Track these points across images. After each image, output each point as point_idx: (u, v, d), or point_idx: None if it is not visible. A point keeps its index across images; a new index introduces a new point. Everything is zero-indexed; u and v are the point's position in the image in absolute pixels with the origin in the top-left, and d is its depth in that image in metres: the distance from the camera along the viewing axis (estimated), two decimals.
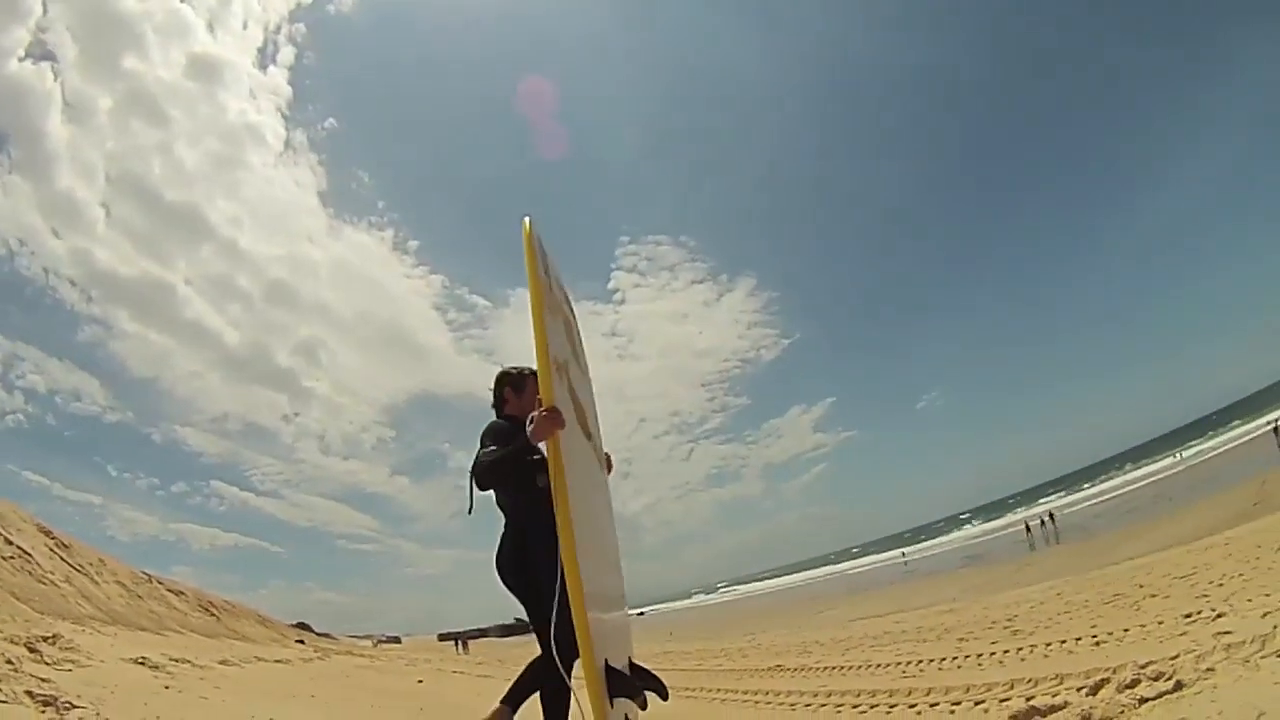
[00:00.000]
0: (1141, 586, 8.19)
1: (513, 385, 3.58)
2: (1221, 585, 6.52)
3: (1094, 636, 6.18)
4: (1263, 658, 3.92)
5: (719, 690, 8.27)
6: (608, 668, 2.75)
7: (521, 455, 3.04)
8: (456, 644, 42.66)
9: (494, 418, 3.58)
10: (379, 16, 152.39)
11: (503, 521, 3.45)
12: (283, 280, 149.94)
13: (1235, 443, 44.90)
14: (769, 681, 8.34)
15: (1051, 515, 40.73)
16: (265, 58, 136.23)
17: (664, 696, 3.19)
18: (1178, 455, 53.99)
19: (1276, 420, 38.30)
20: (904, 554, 61.93)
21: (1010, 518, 62.21)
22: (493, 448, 3.13)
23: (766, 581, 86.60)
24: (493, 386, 3.66)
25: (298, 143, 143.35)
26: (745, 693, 7.73)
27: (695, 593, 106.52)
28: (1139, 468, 59.88)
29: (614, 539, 3.72)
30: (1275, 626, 4.27)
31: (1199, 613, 5.68)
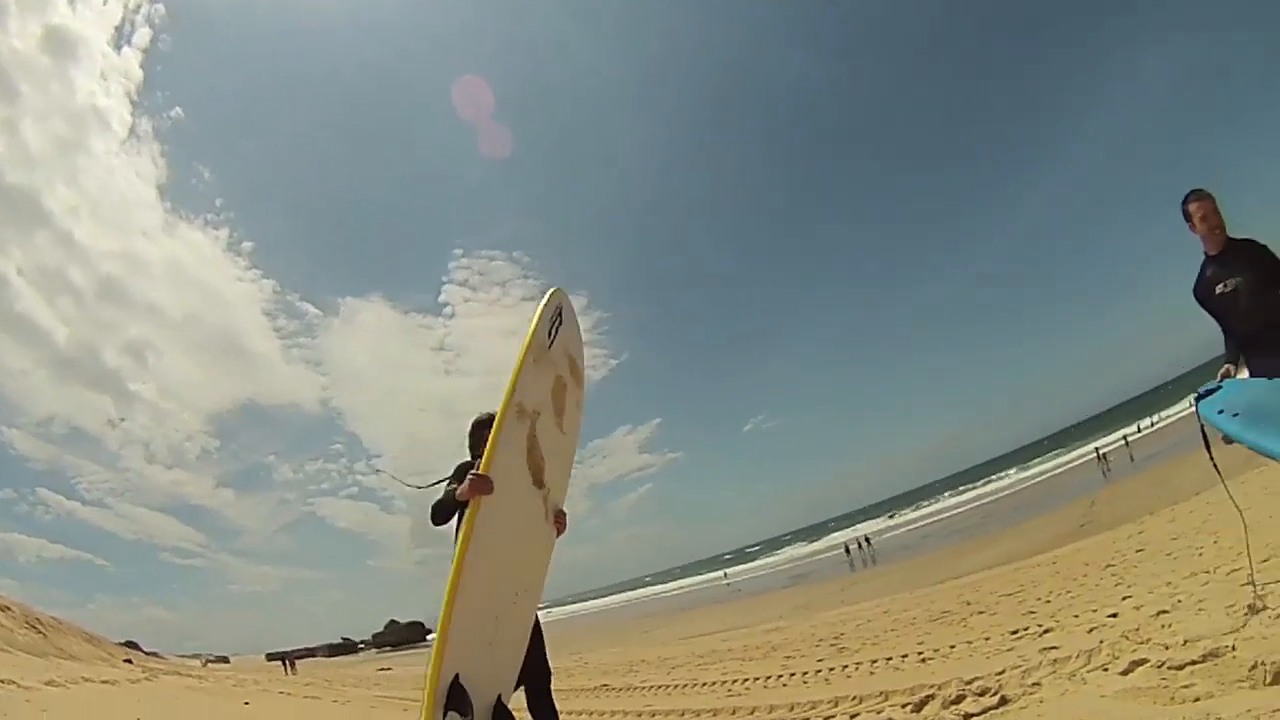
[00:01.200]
0: (969, 604, 8.99)
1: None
2: (1049, 602, 7.23)
3: (920, 653, 6.65)
4: (1089, 672, 4.30)
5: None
6: (455, 682, 3.20)
7: (460, 505, 3.59)
8: (284, 664, 43.71)
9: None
10: (239, 7, 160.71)
11: None
12: (115, 276, 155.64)
13: (1063, 467, 50.69)
14: (595, 701, 8.68)
15: (868, 538, 45.47)
16: (121, 37, 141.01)
17: None
18: (1008, 477, 60.34)
19: (1099, 446, 43.85)
20: (725, 574, 66.15)
21: (830, 540, 67.63)
22: (453, 486, 3.69)
23: (590, 602, 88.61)
24: (470, 430, 4.18)
25: (142, 131, 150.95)
26: (570, 714, 7.91)
27: None
28: (968, 490, 66.68)
29: (527, 589, 4.04)
30: (1101, 641, 4.73)
31: (1026, 629, 6.24)
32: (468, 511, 3.49)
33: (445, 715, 3.15)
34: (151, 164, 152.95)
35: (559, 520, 4.30)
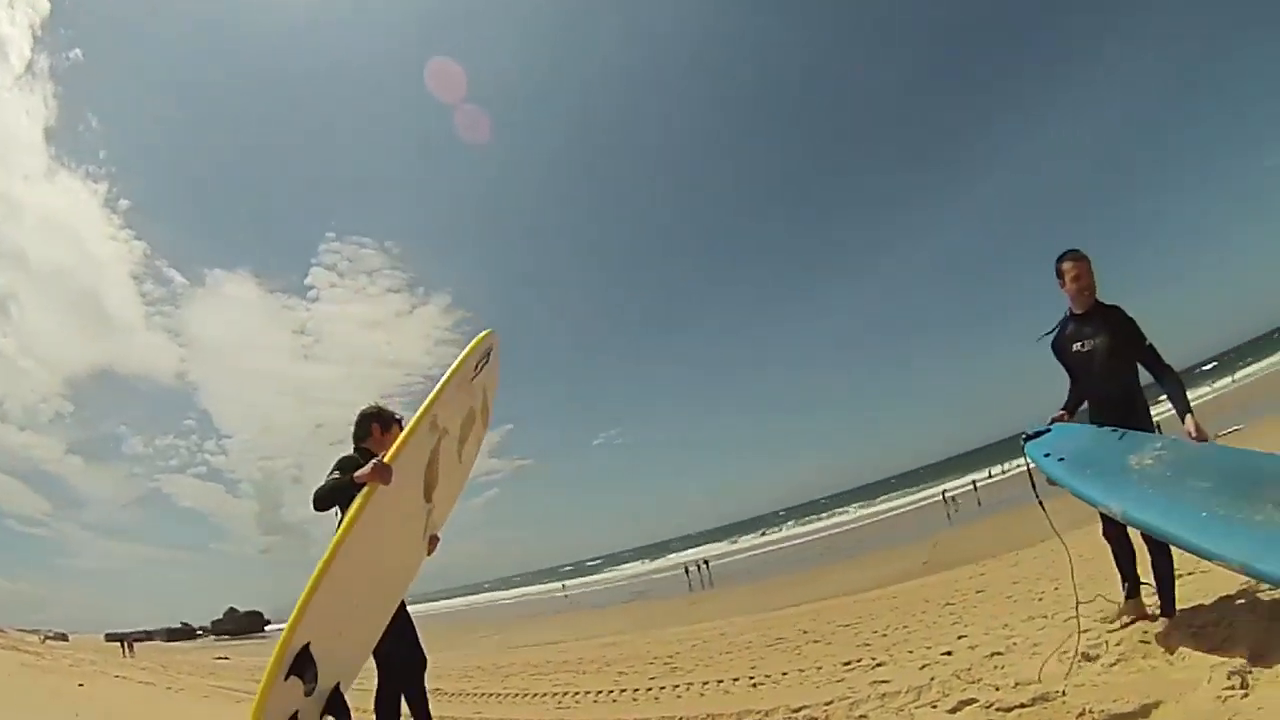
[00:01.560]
0: (805, 632, 9.17)
1: (381, 423, 4.45)
2: (885, 635, 7.44)
3: (752, 678, 6.72)
4: (917, 707, 4.40)
5: (370, 712, 8.23)
6: (305, 649, 3.27)
7: (351, 490, 3.67)
8: (123, 646, 42.77)
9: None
10: None
11: None
12: None
13: (909, 507, 53.32)
14: None
15: (706, 561, 47.36)
16: None
17: None
18: (851, 511, 63.44)
19: (947, 489, 46.44)
20: (564, 586, 67.54)
21: (671, 559, 70.33)
22: (335, 474, 3.93)
23: (428, 605, 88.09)
24: (356, 421, 4.48)
25: (39, 68, 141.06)
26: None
27: None
28: (812, 522, 69.57)
29: (387, 594, 4.27)
30: (932, 678, 4.84)
31: (859, 660, 6.38)
32: (361, 494, 3.62)
33: (288, 678, 3.24)
34: (43, 104, 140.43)
35: (432, 543, 4.61)
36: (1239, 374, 55.45)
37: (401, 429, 4.15)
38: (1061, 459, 4.16)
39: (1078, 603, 4.50)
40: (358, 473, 3.68)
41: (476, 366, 4.53)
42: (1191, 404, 4.12)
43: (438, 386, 4.11)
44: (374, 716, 4.40)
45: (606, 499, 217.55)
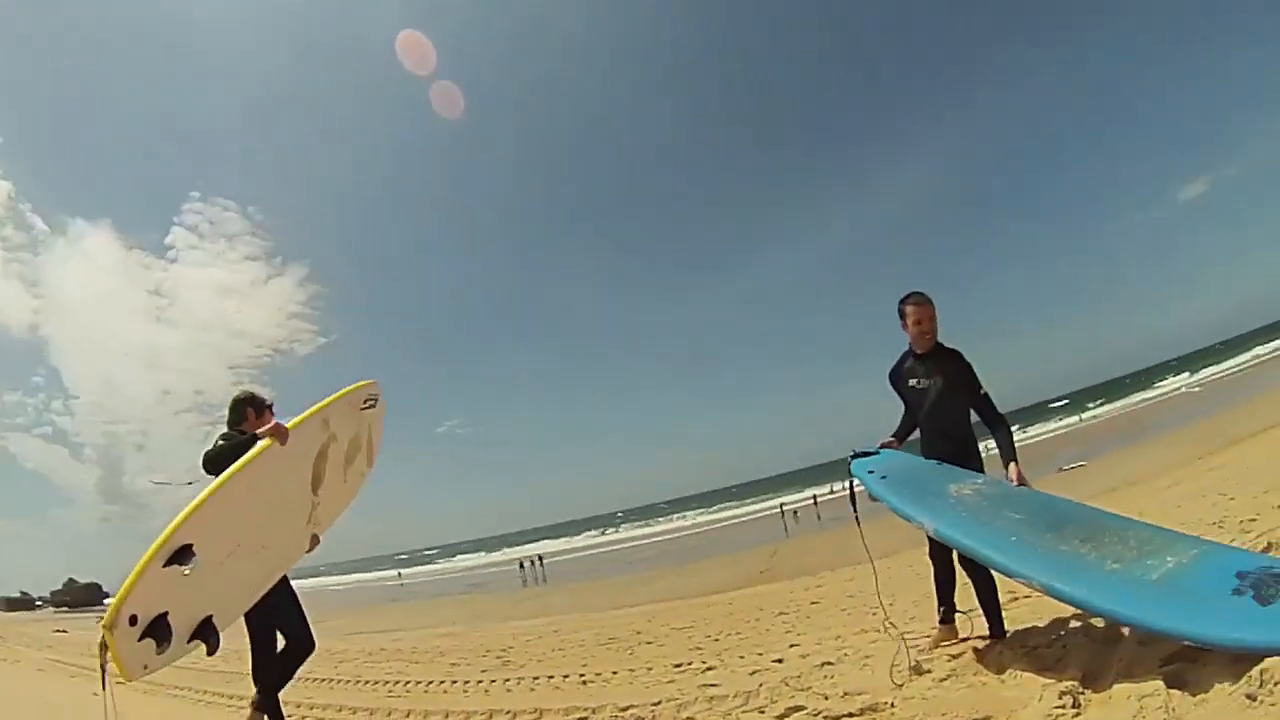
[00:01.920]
0: (639, 632, 9.36)
1: (255, 407, 4.62)
2: (717, 640, 7.65)
3: (582, 676, 6.82)
4: (744, 712, 4.50)
5: (205, 691, 8.49)
6: (188, 546, 3.48)
7: (245, 449, 3.97)
8: None
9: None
10: None
11: None
12: None
13: (749, 516, 55.00)
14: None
15: (540, 557, 48.61)
16: None
17: (210, 653, 3.90)
18: (690, 517, 65.08)
19: (785, 502, 48.22)
20: (400, 575, 67.97)
21: (507, 553, 71.46)
22: (222, 443, 4.16)
23: None
24: (230, 406, 4.63)
25: None
26: (230, 697, 7.96)
27: None
28: (651, 524, 70.89)
29: (271, 559, 4.42)
30: (761, 684, 4.98)
31: (690, 663, 6.53)
32: (260, 444, 3.99)
33: (167, 565, 3.42)
34: None
35: (313, 541, 4.88)
36: (1086, 413, 59.95)
37: (274, 415, 4.51)
38: (884, 477, 4.40)
39: (885, 618, 4.77)
40: (260, 429, 4.10)
41: (365, 401, 5.09)
42: (1018, 451, 4.38)
43: (333, 396, 4.69)
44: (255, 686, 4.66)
45: (447, 488, 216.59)
